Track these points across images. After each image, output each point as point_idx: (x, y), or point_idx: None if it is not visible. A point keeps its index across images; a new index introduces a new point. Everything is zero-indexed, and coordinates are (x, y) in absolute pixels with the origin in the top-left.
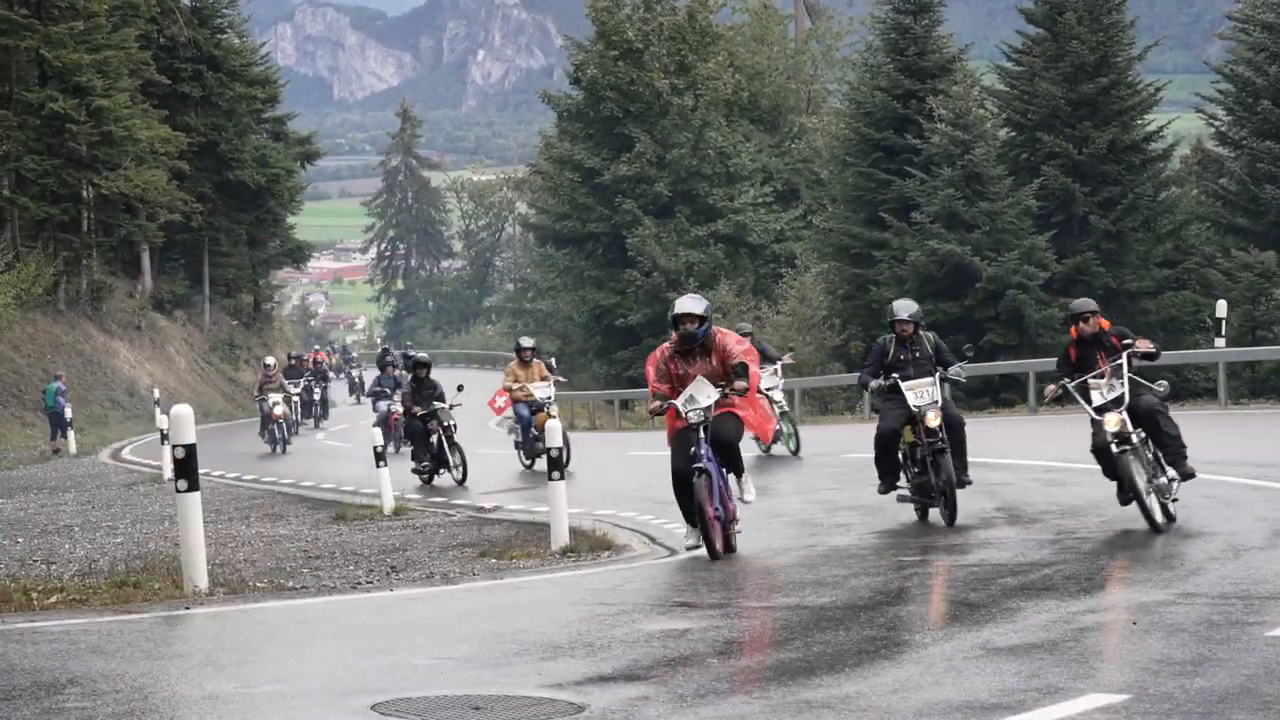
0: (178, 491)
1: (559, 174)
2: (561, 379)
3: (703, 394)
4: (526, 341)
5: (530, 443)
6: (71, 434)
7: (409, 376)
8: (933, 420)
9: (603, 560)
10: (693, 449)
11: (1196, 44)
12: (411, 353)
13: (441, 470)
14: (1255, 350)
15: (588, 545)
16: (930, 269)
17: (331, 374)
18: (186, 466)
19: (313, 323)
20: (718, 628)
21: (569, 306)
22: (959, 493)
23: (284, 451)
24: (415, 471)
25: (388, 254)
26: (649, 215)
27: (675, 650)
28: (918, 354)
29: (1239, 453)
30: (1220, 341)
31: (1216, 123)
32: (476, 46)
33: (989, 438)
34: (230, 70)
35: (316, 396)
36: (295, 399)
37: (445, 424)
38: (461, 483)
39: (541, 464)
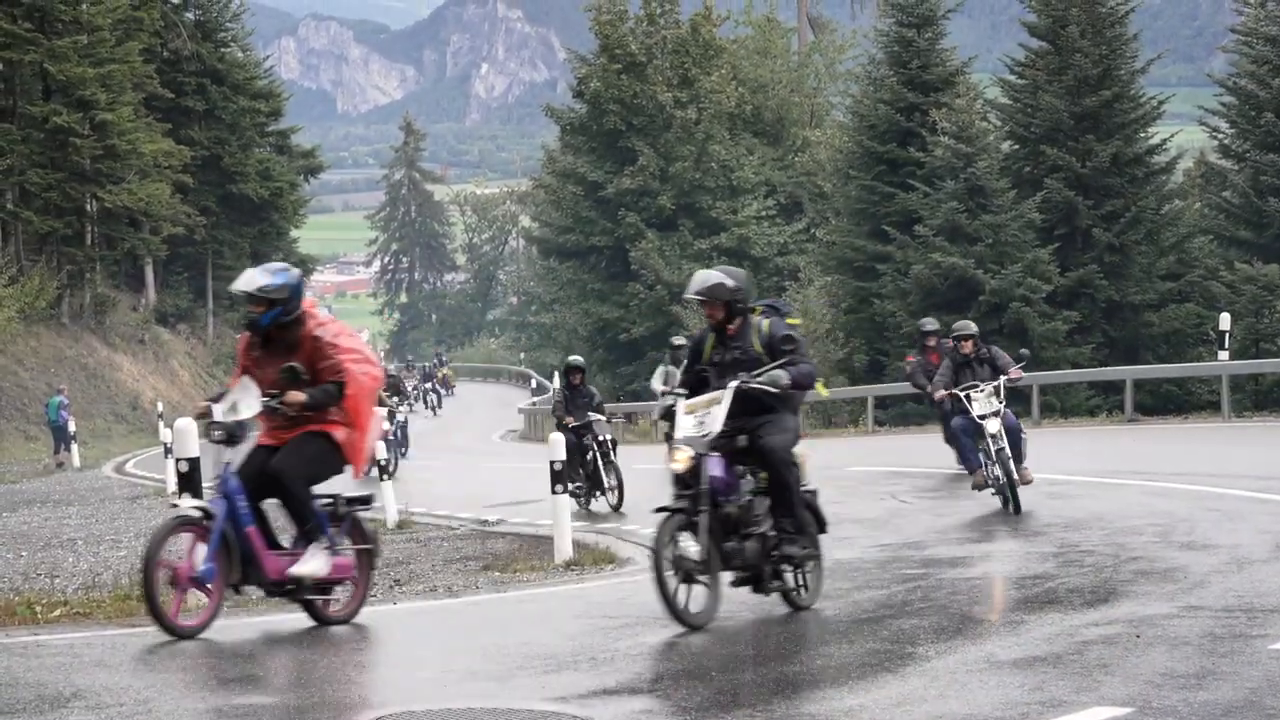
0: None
1: (562, 187)
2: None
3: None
4: (576, 361)
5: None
6: (75, 447)
7: (561, 383)
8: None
9: (606, 573)
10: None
11: (1200, 57)
12: (573, 361)
13: (597, 493)
14: (1259, 363)
15: (591, 558)
16: (933, 282)
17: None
18: (190, 480)
19: None
20: (720, 641)
21: (572, 320)
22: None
23: (392, 475)
24: (571, 494)
25: (391, 267)
26: (652, 228)
27: (678, 664)
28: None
29: (1242, 466)
30: (1223, 354)
31: (1220, 136)
32: (480, 60)
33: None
34: (234, 84)
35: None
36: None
37: (600, 438)
38: (617, 508)
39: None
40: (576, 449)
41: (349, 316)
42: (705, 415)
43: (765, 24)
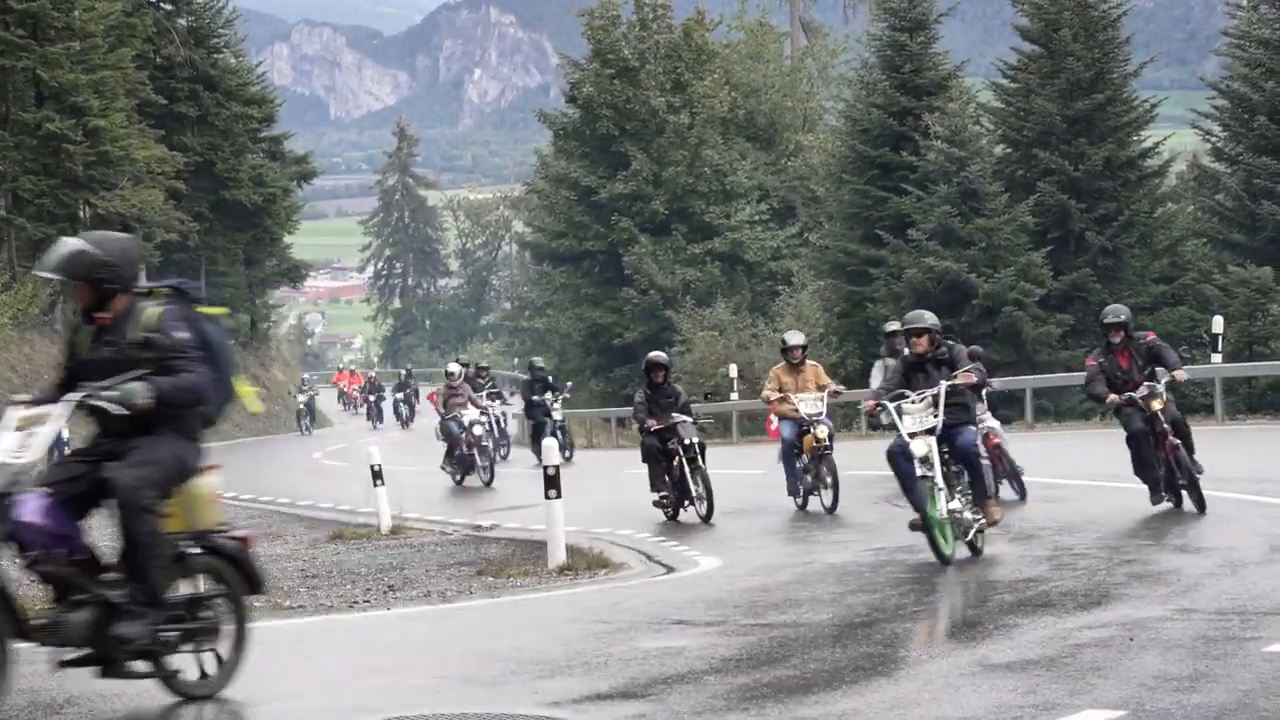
0: None
1: (555, 192)
2: (839, 388)
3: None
4: (795, 339)
5: (797, 475)
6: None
7: (644, 383)
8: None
9: (599, 578)
10: None
11: (1192, 60)
12: (655, 357)
13: (686, 503)
14: (1252, 365)
15: (585, 563)
16: (926, 286)
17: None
18: None
19: (309, 342)
20: (714, 645)
21: (566, 324)
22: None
23: (489, 483)
24: (656, 504)
25: (384, 273)
26: (645, 233)
27: (672, 668)
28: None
29: (1236, 468)
30: (1217, 357)
31: (1213, 139)
32: (473, 65)
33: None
34: (227, 90)
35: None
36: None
37: (686, 442)
38: (706, 519)
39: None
40: (660, 454)
41: (343, 323)
42: (29, 436)
43: (758, 28)
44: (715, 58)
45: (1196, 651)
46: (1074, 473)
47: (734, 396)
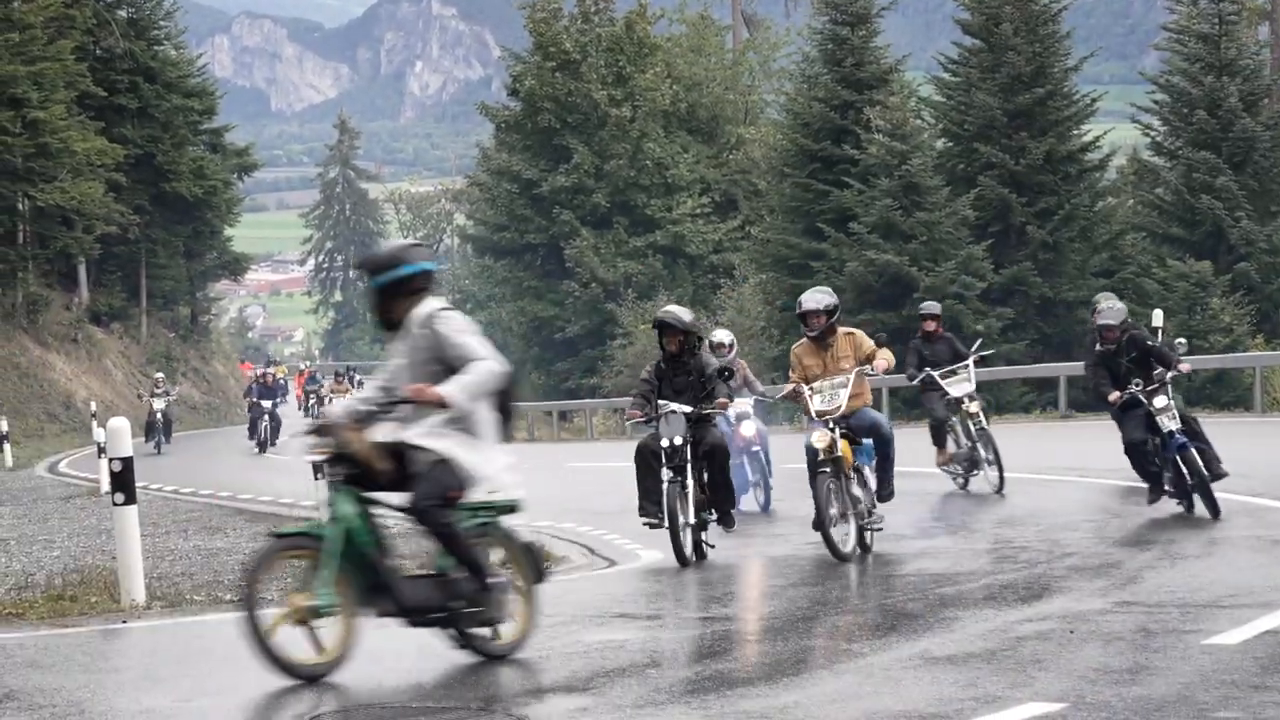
0: (115, 505)
1: (497, 185)
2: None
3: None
4: (810, 301)
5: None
6: (7, 447)
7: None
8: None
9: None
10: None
11: (1132, 55)
12: (666, 316)
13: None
14: (1191, 359)
15: None
16: (868, 279)
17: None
18: (123, 480)
19: (250, 335)
20: (656, 639)
21: (507, 317)
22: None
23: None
24: (645, 524)
25: (326, 266)
26: (587, 226)
27: (614, 661)
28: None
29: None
30: None
31: (1152, 133)
32: (414, 58)
33: (924, 448)
34: (167, 82)
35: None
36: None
37: (665, 444)
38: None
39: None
40: (653, 458)
41: (284, 315)
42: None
43: (699, 22)
44: (657, 51)
45: (1136, 644)
46: (1014, 466)
47: None
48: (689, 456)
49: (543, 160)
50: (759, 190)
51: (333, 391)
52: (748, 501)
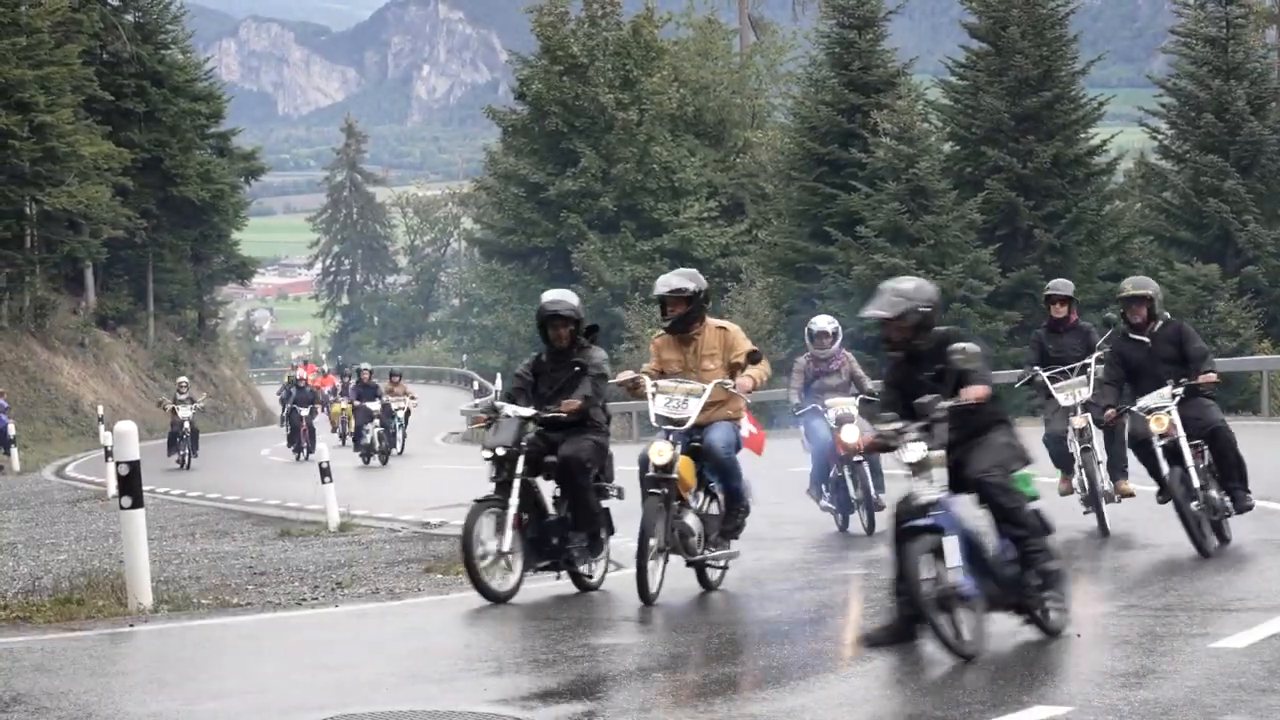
0: (122, 508)
1: (504, 189)
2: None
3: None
4: (665, 285)
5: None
6: (15, 451)
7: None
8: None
9: (548, 576)
10: None
11: (1140, 58)
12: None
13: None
14: None
15: None
16: (875, 283)
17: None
18: (130, 483)
19: (258, 339)
20: (663, 642)
21: (514, 321)
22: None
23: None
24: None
25: (332, 270)
26: (594, 230)
27: (621, 665)
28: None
29: None
30: None
31: (1160, 136)
32: (421, 61)
33: None
34: (174, 86)
35: None
36: None
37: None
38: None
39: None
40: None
41: (291, 319)
42: None
43: (706, 25)
44: (664, 54)
45: (1143, 648)
46: None
47: None
48: (518, 470)
49: (550, 164)
50: (766, 194)
51: (389, 394)
52: (853, 523)
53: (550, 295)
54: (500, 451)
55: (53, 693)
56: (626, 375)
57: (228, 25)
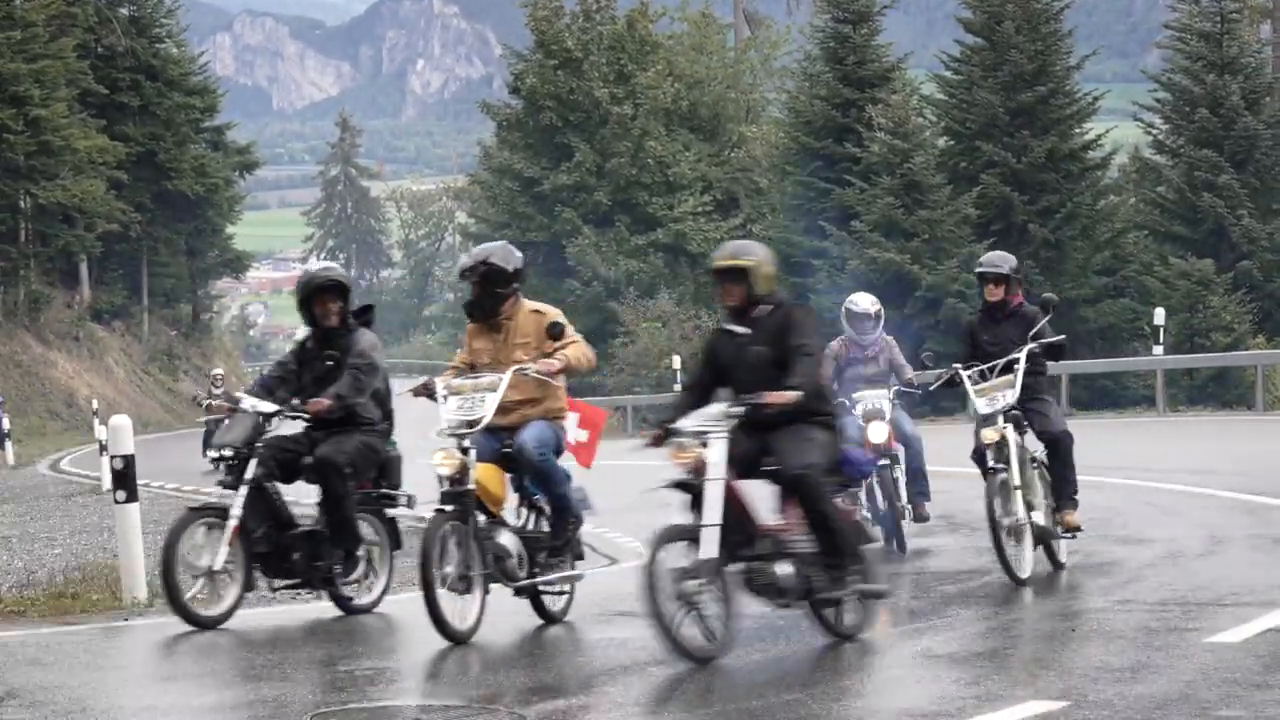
0: (116, 502)
1: (498, 183)
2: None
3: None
4: (472, 257)
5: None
6: (9, 445)
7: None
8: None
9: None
10: None
11: (1134, 53)
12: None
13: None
14: (1193, 358)
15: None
16: (870, 277)
17: None
18: (125, 477)
19: (252, 333)
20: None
21: None
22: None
23: None
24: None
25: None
26: (589, 224)
27: (616, 659)
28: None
29: (1177, 460)
30: (1158, 349)
31: (1154, 131)
32: (416, 56)
33: (929, 445)
34: (169, 80)
35: None
36: None
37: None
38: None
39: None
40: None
41: (285, 314)
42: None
43: (701, 20)
44: (659, 49)
45: (1138, 642)
46: None
47: (676, 388)
48: (247, 475)
49: (544, 158)
50: (761, 189)
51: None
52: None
53: (316, 264)
54: (226, 451)
55: (47, 687)
56: (419, 383)
57: (222, 19)
